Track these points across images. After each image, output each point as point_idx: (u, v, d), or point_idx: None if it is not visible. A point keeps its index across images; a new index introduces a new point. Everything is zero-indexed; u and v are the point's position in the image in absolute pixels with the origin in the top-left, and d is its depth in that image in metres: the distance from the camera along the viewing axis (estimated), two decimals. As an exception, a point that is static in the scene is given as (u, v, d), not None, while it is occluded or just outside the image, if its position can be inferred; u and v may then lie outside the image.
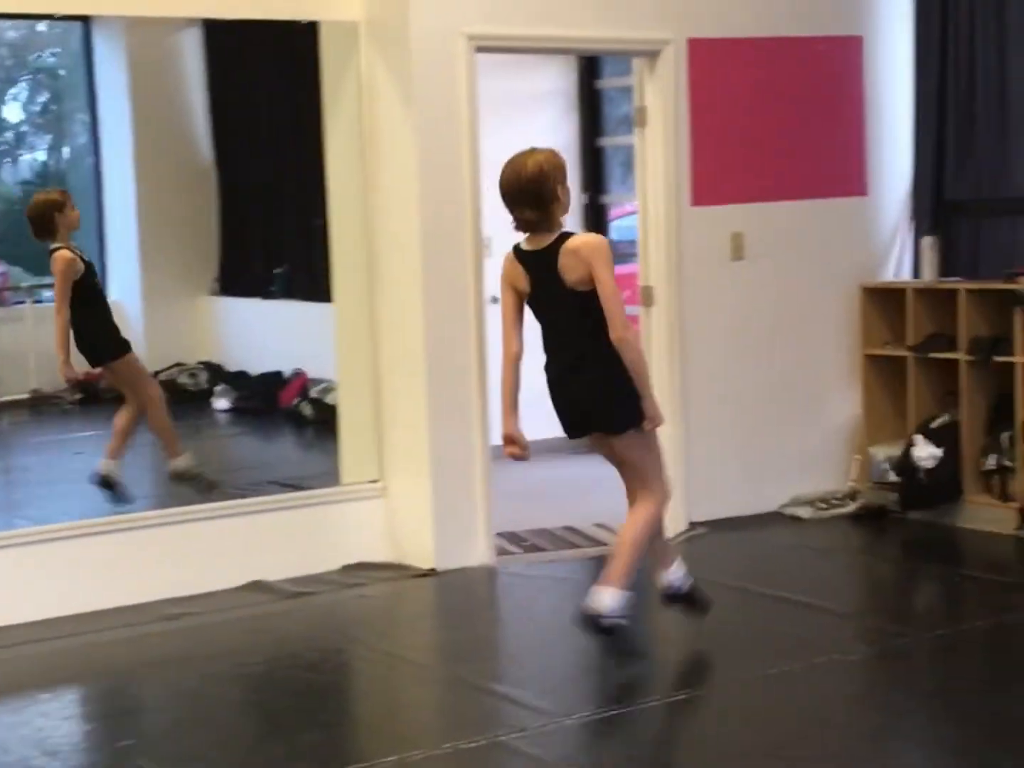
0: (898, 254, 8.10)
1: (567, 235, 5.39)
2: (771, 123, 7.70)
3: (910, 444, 7.52)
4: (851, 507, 7.74)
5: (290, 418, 8.74)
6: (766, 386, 7.77)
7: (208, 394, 9.03)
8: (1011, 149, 7.79)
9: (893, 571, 7.17)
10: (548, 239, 5.36)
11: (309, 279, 8.64)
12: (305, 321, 8.66)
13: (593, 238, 5.49)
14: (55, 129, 10.31)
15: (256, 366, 9.07)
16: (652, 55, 7.39)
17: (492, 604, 6.87)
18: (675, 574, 5.74)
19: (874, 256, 8.07)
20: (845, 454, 7.95)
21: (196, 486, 7.29)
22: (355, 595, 6.67)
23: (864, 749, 4.77)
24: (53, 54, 10.23)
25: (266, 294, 9.16)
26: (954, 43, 7.91)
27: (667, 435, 6.48)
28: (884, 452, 7.76)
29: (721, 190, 7.60)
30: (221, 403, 9.02)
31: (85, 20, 9.15)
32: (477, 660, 5.81)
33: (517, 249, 5.45)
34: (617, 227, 9.80)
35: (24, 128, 10.22)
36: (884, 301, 7.88)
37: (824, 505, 7.76)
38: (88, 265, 7.32)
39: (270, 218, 9.40)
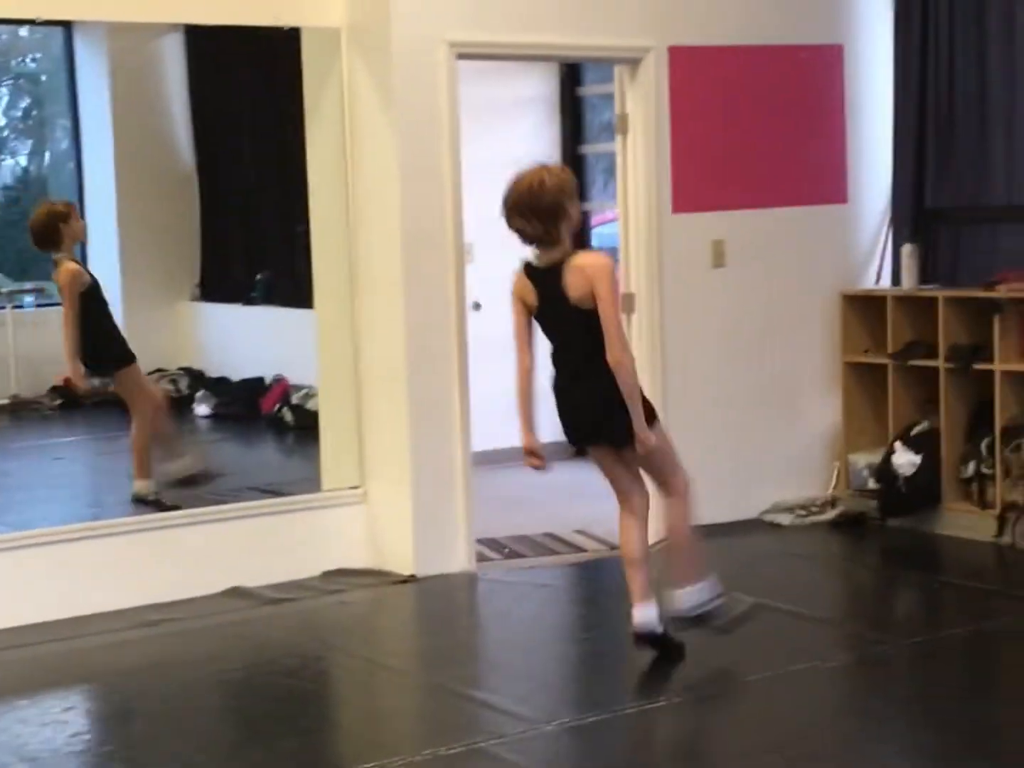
0: (878, 262, 8.11)
1: (575, 252, 5.41)
2: (752, 131, 7.71)
3: (890, 451, 7.53)
4: (831, 514, 7.75)
5: (271, 424, 8.73)
6: (746, 393, 7.77)
7: (189, 400, 9.03)
8: (991, 157, 7.81)
9: (872, 578, 7.18)
10: (556, 256, 5.38)
11: (290, 285, 8.64)
12: (286, 327, 8.66)
13: (599, 258, 5.49)
14: (36, 134, 10.30)
15: (237, 372, 9.06)
16: (633, 63, 7.40)
17: (472, 610, 6.87)
18: (648, 614, 5.52)
19: (854, 264, 8.09)
20: (826, 461, 7.96)
21: (199, 480, 7.36)
22: (335, 601, 6.66)
23: (845, 756, 4.77)
24: (34, 59, 10.23)
25: (247, 300, 9.16)
26: (934, 52, 7.94)
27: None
28: (864, 459, 7.77)
29: (702, 197, 7.61)
30: (202, 409, 9.02)
31: (67, 25, 9.15)
32: (457, 666, 5.81)
33: (527, 265, 5.47)
34: (599, 234, 9.80)
35: (5, 133, 10.22)
36: (864, 308, 7.89)
37: (804, 512, 7.76)
38: (93, 277, 7.37)
39: (251, 224, 9.39)
